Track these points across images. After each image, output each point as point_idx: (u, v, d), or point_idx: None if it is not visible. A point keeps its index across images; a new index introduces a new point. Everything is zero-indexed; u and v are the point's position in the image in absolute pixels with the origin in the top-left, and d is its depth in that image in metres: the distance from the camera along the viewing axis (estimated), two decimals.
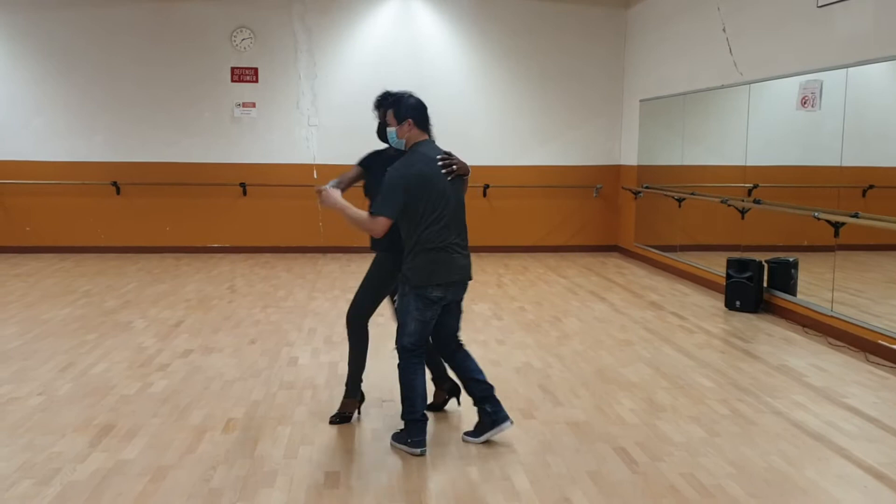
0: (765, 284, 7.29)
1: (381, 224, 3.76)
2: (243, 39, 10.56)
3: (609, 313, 7.20)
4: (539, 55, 10.90)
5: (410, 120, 3.86)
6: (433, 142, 3.99)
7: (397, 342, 3.97)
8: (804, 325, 6.66)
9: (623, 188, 10.93)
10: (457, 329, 4.18)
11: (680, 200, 9.17)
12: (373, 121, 11.33)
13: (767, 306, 7.25)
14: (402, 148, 3.97)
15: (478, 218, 10.97)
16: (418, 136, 3.91)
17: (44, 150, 10.35)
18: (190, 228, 10.71)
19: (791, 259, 7.24)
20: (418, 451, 3.90)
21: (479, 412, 4.10)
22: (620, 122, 11.09)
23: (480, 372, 4.13)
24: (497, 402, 4.09)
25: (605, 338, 6.29)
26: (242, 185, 10.62)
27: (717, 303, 7.63)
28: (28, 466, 3.70)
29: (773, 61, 7.32)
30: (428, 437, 4.01)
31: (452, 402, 4.59)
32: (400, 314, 3.97)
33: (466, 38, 10.83)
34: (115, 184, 10.29)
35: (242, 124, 10.66)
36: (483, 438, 4.08)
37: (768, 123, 7.79)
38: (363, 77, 10.68)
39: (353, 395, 4.40)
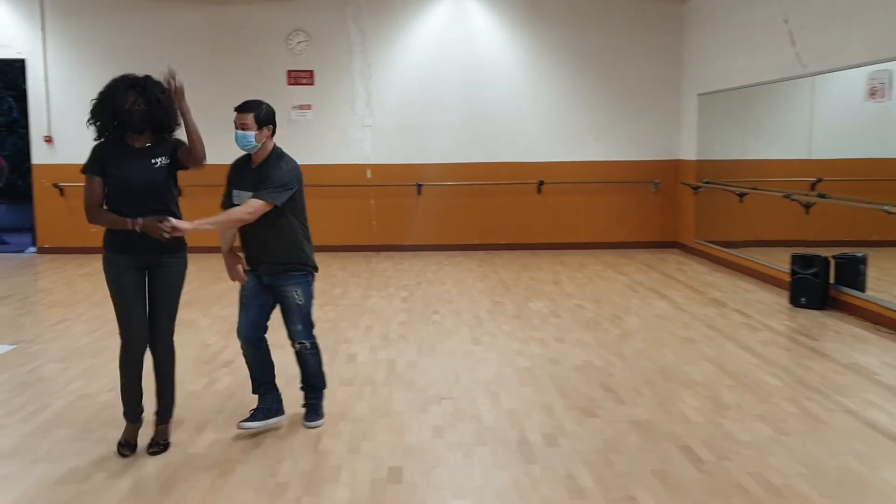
0: (831, 281, 7.08)
1: (264, 209, 3.95)
2: (299, 42, 10.69)
3: (670, 311, 7.08)
4: (594, 50, 10.79)
5: (271, 126, 4.08)
6: None
7: (310, 331, 4.24)
8: (874, 323, 6.46)
9: (682, 183, 10.73)
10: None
11: (741, 195, 8.98)
12: (426, 119, 11.22)
13: (835, 303, 7.04)
14: (252, 151, 4.08)
15: (532, 214, 10.95)
16: (272, 141, 4.13)
17: None
18: None
19: (859, 254, 7.02)
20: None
21: (268, 397, 4.24)
22: (679, 116, 10.91)
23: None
24: (279, 396, 4.30)
25: (667, 335, 6.19)
26: None
27: (781, 300, 7.44)
28: (101, 460, 3.81)
29: (838, 52, 7.10)
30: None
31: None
32: (306, 305, 4.19)
33: (520, 34, 10.78)
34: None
35: (299, 126, 10.78)
36: (265, 424, 4.14)
37: (834, 116, 7.57)
38: (417, 76, 10.75)
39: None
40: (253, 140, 3.99)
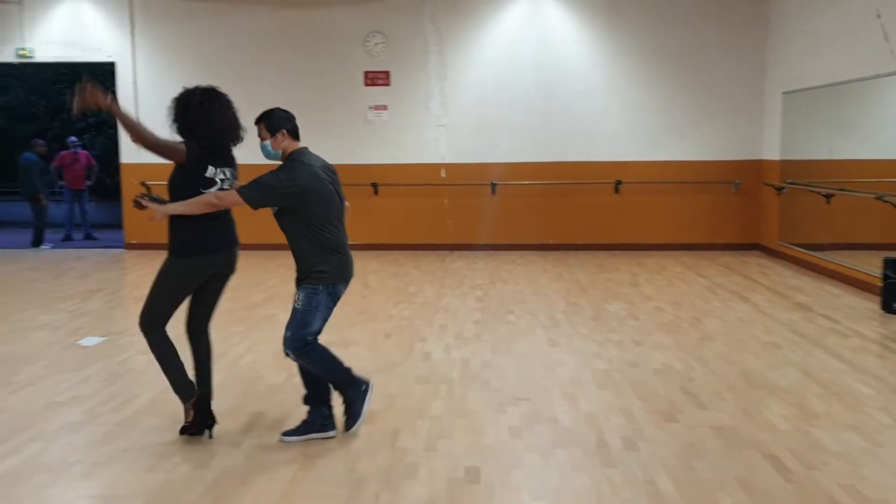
0: None
1: (237, 202, 3.81)
2: (377, 44, 10.81)
3: (753, 314, 6.87)
4: (673, 47, 10.57)
5: (284, 131, 3.97)
6: (307, 148, 4.07)
7: (297, 341, 3.94)
8: None
9: (765, 184, 10.42)
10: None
11: (828, 196, 8.65)
12: (501, 118, 11.21)
13: None
14: (279, 159, 4.02)
15: (610, 215, 10.81)
16: (293, 144, 4.01)
17: None
18: None
19: None
20: (371, 389, 4.18)
21: (314, 413, 4.10)
22: (762, 115, 10.59)
23: None
24: (332, 409, 4.13)
25: (750, 340, 6.01)
26: (374, 185, 10.87)
27: (872, 305, 7.13)
28: (187, 451, 3.93)
29: None
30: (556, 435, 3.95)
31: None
32: (304, 313, 3.94)
33: (596, 32, 10.64)
34: None
35: (375, 126, 10.91)
36: (304, 438, 4.04)
37: None
38: (492, 75, 10.74)
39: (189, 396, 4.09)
40: (269, 148, 3.98)
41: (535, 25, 10.68)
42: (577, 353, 5.70)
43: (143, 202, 3.86)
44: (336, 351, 5.64)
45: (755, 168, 10.63)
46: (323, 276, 3.93)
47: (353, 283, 8.11)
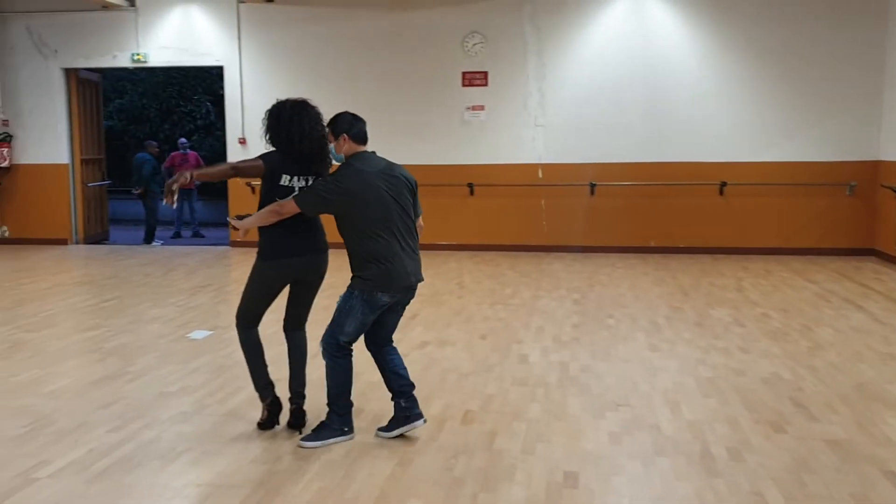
0: None
1: (295, 208, 3.91)
2: (475, 44, 10.82)
3: (868, 323, 6.52)
4: (784, 42, 10.15)
5: (345, 135, 3.97)
6: (373, 152, 4.04)
7: (329, 338, 3.98)
8: None
9: (882, 186, 9.87)
10: (394, 329, 4.20)
11: None
12: (601, 118, 11.04)
13: None
14: (342, 162, 4.05)
15: (714, 217, 10.49)
16: (354, 148, 3.99)
17: None
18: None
19: None
20: (352, 435, 4.08)
21: (395, 407, 4.11)
22: (880, 113, 10.03)
23: (404, 368, 4.17)
24: (413, 400, 4.12)
25: (865, 350, 5.70)
26: (470, 185, 10.89)
27: None
28: (291, 443, 4.03)
29: None
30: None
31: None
32: (339, 313, 3.95)
33: (702, 27, 10.33)
34: None
35: (472, 127, 10.93)
36: (395, 433, 4.08)
37: None
38: (592, 74, 10.59)
39: (265, 397, 4.27)
40: (334, 150, 4.04)
41: (638, 22, 10.46)
42: (680, 359, 5.54)
43: (231, 221, 4.18)
44: (432, 350, 5.72)
45: (871, 169, 10.10)
46: (359, 282, 3.91)
47: (449, 284, 8.29)
